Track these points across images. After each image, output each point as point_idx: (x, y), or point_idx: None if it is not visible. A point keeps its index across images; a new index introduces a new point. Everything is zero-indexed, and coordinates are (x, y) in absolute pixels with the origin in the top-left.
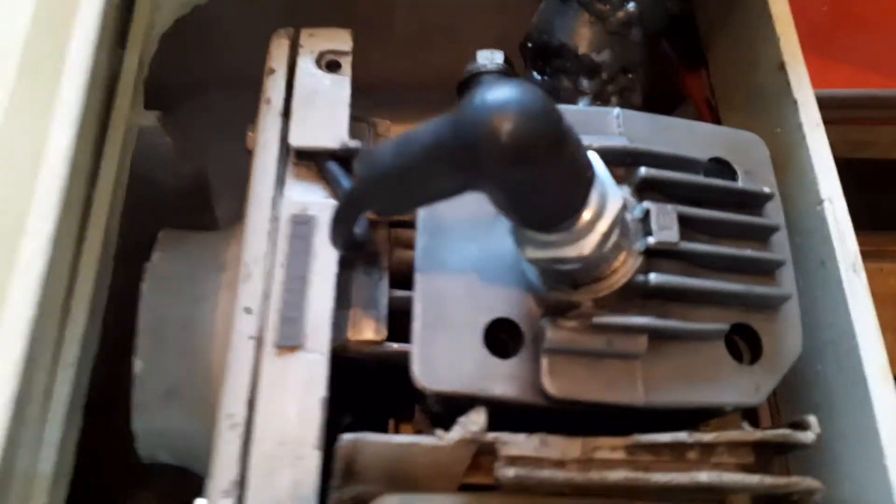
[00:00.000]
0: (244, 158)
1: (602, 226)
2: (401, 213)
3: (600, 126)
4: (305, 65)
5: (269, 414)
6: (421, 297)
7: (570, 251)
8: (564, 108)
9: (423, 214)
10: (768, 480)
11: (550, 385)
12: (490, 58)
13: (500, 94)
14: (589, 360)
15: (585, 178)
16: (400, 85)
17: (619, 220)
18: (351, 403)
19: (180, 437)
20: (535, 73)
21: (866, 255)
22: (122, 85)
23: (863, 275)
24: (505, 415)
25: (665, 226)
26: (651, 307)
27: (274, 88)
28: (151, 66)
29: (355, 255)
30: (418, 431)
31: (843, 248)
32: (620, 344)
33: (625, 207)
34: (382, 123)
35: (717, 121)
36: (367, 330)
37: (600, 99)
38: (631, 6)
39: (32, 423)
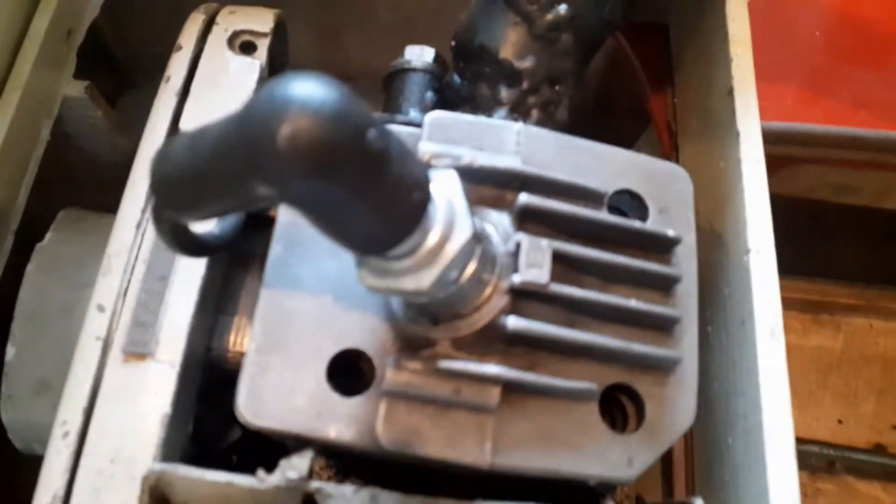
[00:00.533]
0: None
1: (444, 258)
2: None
3: (496, 141)
4: (215, 44)
5: (105, 426)
6: (262, 317)
7: (408, 283)
8: (458, 117)
9: (282, 220)
10: None
11: (383, 433)
12: (418, 54)
13: (291, 86)
14: (434, 408)
15: (410, 201)
16: (377, 77)
17: (470, 253)
18: None
19: (49, 433)
20: (455, 76)
21: (856, 311)
22: (26, 44)
23: (781, 340)
24: (357, 461)
25: (535, 263)
26: (515, 355)
27: (176, 66)
28: (97, 34)
29: (202, 257)
30: None
31: (765, 308)
32: (469, 394)
33: (477, 238)
34: None
35: (674, 148)
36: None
37: (519, 111)
38: (563, 8)
39: None
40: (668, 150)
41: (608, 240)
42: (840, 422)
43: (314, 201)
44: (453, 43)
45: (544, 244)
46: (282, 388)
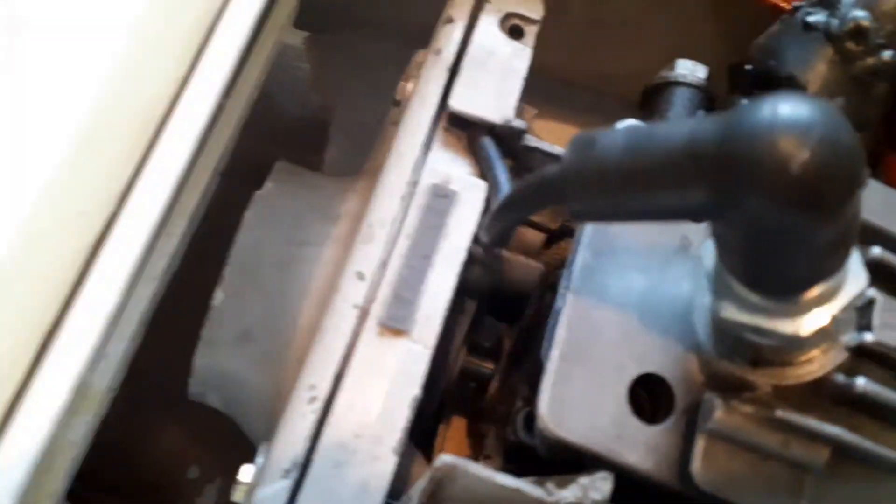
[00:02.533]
0: (372, 107)
1: (834, 306)
2: (602, 219)
3: None
4: (487, 23)
5: (354, 399)
6: (568, 322)
7: (785, 326)
8: None
9: (591, 226)
10: None
11: (700, 472)
12: (691, 69)
13: (801, 110)
14: (752, 457)
15: (850, 244)
16: (553, 76)
17: (853, 305)
18: None
19: (239, 385)
20: (744, 101)
21: None
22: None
23: None
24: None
25: (890, 324)
26: (838, 416)
27: (448, 39)
28: None
29: (496, 249)
30: (486, 457)
31: None
32: (798, 449)
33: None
34: (529, 110)
35: None
36: None
37: None
38: (888, 54)
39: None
40: None
41: None
42: None
43: (773, 231)
44: (748, 67)
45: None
46: (584, 401)
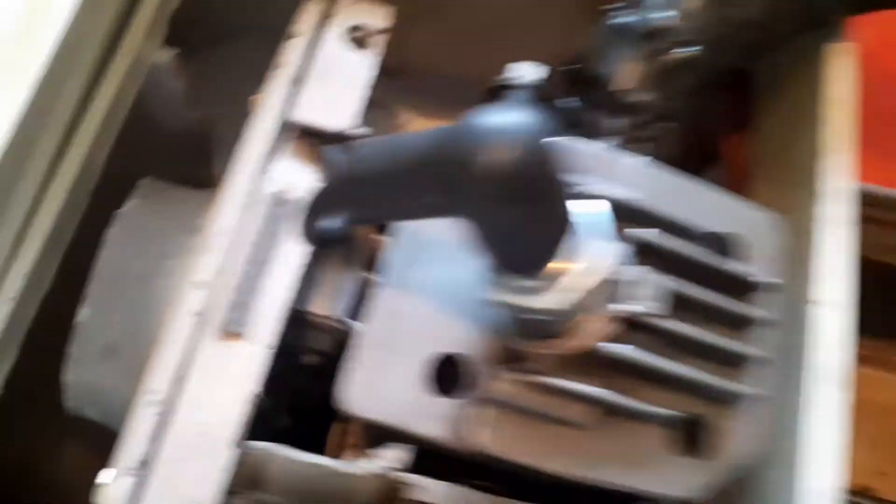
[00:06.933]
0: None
1: (583, 283)
2: (371, 222)
3: (609, 170)
4: (332, 35)
5: (195, 399)
6: (376, 313)
7: (537, 301)
8: (573, 145)
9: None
10: None
11: (483, 437)
12: (524, 72)
13: (508, 118)
14: (531, 419)
15: (563, 226)
16: (438, 74)
17: (606, 283)
18: (293, 403)
19: (110, 397)
20: (568, 100)
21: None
22: (140, 14)
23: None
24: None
25: (648, 296)
26: (607, 378)
27: (292, 53)
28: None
29: (330, 249)
30: (354, 446)
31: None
32: (568, 410)
33: (614, 271)
34: (403, 115)
35: (746, 191)
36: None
37: (629, 142)
38: (689, 50)
39: None
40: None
41: (703, 279)
42: None
43: (489, 221)
44: (569, 67)
45: (658, 279)
46: (383, 382)
